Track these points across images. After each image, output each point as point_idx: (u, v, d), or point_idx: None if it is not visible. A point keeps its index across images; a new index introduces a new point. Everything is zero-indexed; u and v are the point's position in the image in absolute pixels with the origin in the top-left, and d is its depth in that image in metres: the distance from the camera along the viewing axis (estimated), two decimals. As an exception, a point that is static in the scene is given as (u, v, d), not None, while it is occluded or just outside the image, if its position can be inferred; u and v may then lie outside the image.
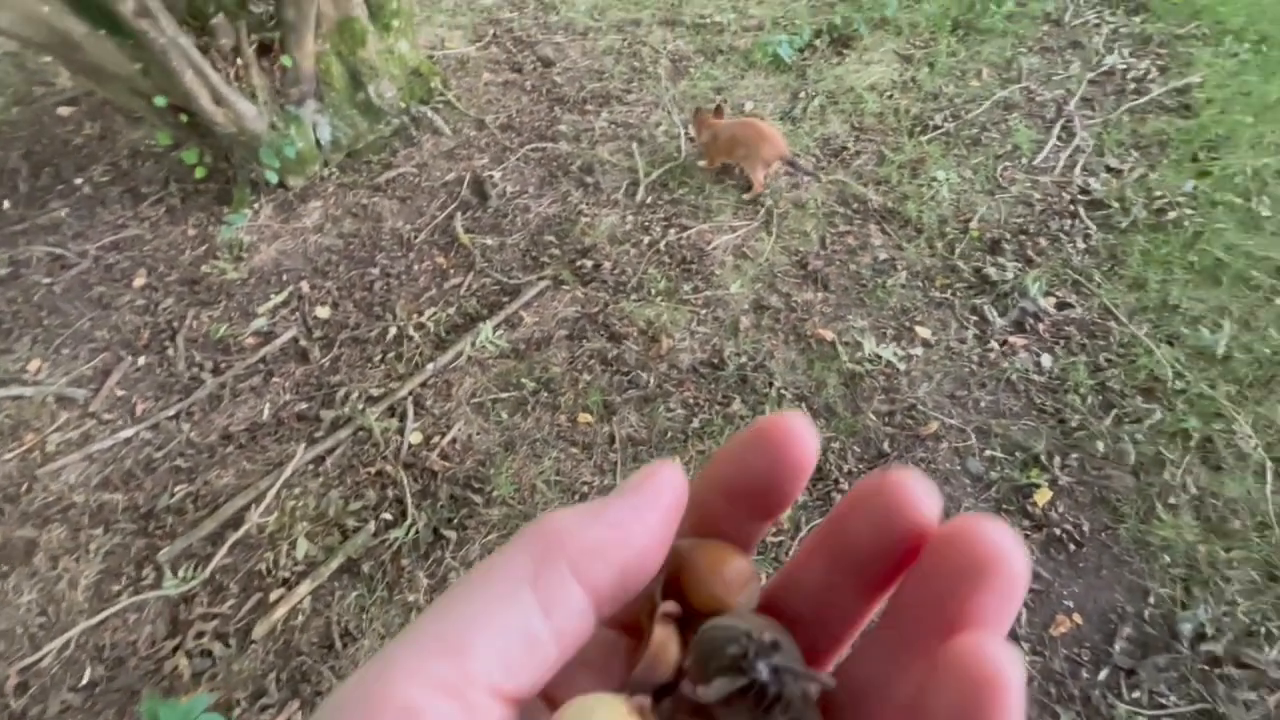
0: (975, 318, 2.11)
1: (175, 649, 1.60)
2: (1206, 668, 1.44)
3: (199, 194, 2.79)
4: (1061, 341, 2.03)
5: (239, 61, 2.40)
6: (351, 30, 2.70)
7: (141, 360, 2.24)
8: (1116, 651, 1.48)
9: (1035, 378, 1.94)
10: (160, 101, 2.34)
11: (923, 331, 2.07)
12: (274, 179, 2.68)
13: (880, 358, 1.99)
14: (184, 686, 1.54)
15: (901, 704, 0.19)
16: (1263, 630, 1.48)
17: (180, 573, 1.72)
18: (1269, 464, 1.71)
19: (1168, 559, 1.58)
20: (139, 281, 2.50)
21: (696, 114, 2.58)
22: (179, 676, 1.55)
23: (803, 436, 0.21)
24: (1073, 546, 1.62)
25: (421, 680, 0.16)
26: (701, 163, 2.61)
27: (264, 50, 2.50)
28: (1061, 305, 2.11)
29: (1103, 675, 1.45)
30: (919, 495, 0.20)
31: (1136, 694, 1.42)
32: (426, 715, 0.16)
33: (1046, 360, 1.98)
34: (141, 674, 1.58)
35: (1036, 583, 1.58)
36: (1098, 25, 3.20)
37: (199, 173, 2.75)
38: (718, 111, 2.51)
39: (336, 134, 2.84)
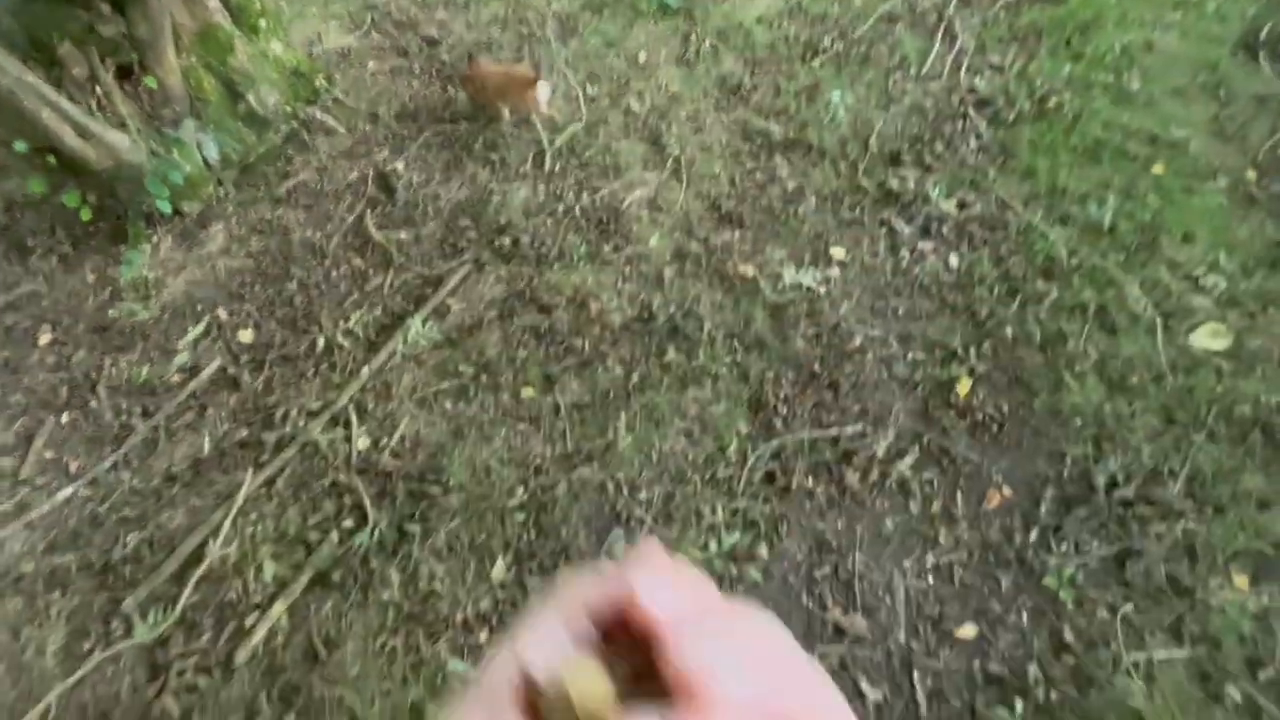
0: (885, 230, 2.19)
1: (159, 691, 1.61)
2: (1121, 511, 1.59)
3: (90, 237, 2.65)
4: (965, 240, 2.13)
5: (98, 90, 2.27)
6: (215, 39, 2.57)
7: (65, 418, 2.16)
8: (1043, 513, 1.61)
9: (945, 278, 2.04)
10: (21, 147, 2.20)
11: (837, 252, 2.15)
12: (167, 208, 2.57)
13: (800, 285, 2.07)
14: (176, 724, 1.55)
15: None
16: (1166, 469, 1.63)
17: (150, 618, 1.71)
18: (1158, 320, 1.85)
19: (1079, 422, 1.72)
20: (45, 339, 2.39)
21: (464, 80, 2.68)
22: (169, 716, 1.56)
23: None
24: (995, 428, 1.74)
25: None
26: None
27: (124, 74, 2.36)
28: (962, 205, 2.21)
29: (1033, 536, 1.58)
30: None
31: (1064, 546, 1.56)
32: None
33: (954, 259, 2.08)
34: (130, 722, 1.58)
35: (967, 465, 1.70)
36: (966, -75, 3.25)
37: (84, 215, 2.61)
38: (472, 63, 2.63)
39: (224, 150, 2.72)
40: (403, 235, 2.46)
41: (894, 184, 2.29)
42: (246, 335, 2.29)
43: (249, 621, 1.68)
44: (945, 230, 2.16)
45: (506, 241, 2.33)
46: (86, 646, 1.70)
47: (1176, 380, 1.75)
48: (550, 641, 0.25)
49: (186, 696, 1.59)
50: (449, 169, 2.65)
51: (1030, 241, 2.06)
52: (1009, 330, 1.88)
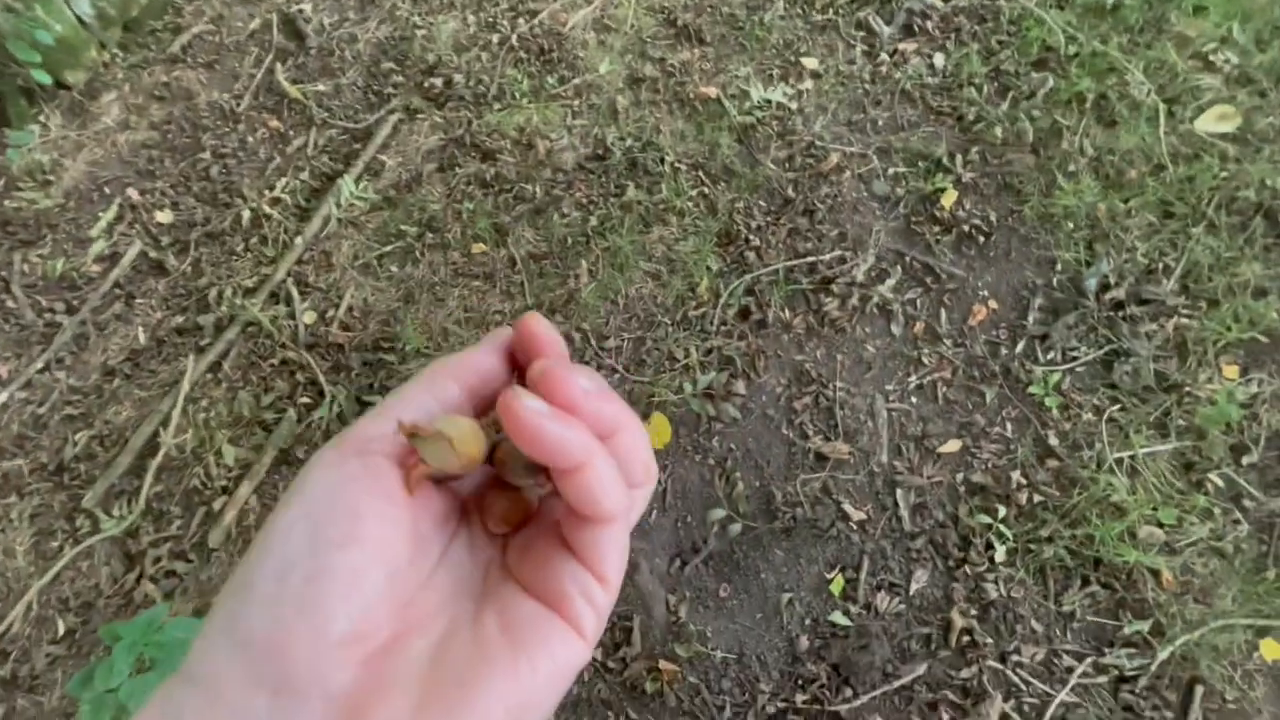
0: (862, 33, 1.94)
1: (138, 579, 1.58)
2: (1112, 314, 1.51)
3: (-33, 121, 2.33)
4: (952, 35, 1.89)
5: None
6: None
7: (-17, 322, 1.99)
8: (1030, 323, 1.54)
9: (930, 81, 1.83)
10: None
11: (810, 63, 1.91)
12: (46, 78, 2.23)
13: (770, 102, 1.85)
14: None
15: None
16: (1161, 266, 1.54)
17: (115, 512, 1.66)
18: (1161, 106, 1.68)
19: (1071, 225, 1.60)
20: (-58, 239, 2.15)
21: None
22: (151, 601, 1.54)
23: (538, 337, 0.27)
24: (982, 239, 1.62)
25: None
26: None
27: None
28: (948, -5, 1.95)
29: (1019, 347, 1.52)
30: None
31: (1050, 355, 1.50)
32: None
33: (939, 59, 1.86)
34: (113, 610, 1.57)
35: (951, 282, 1.60)
36: None
37: (-48, 94, 2.27)
38: None
39: (99, 5, 2.33)
40: (321, 87, 2.17)
41: (872, -23, 2.00)
42: (164, 215, 2.07)
43: (217, 505, 1.62)
44: (930, 26, 1.91)
45: (438, 83, 2.06)
46: (56, 545, 1.65)
47: (1177, 171, 1.62)
48: (420, 406, 0.25)
49: (166, 581, 1.57)
50: (363, 4, 2.30)
51: (1024, 30, 1.83)
52: (999, 131, 1.71)
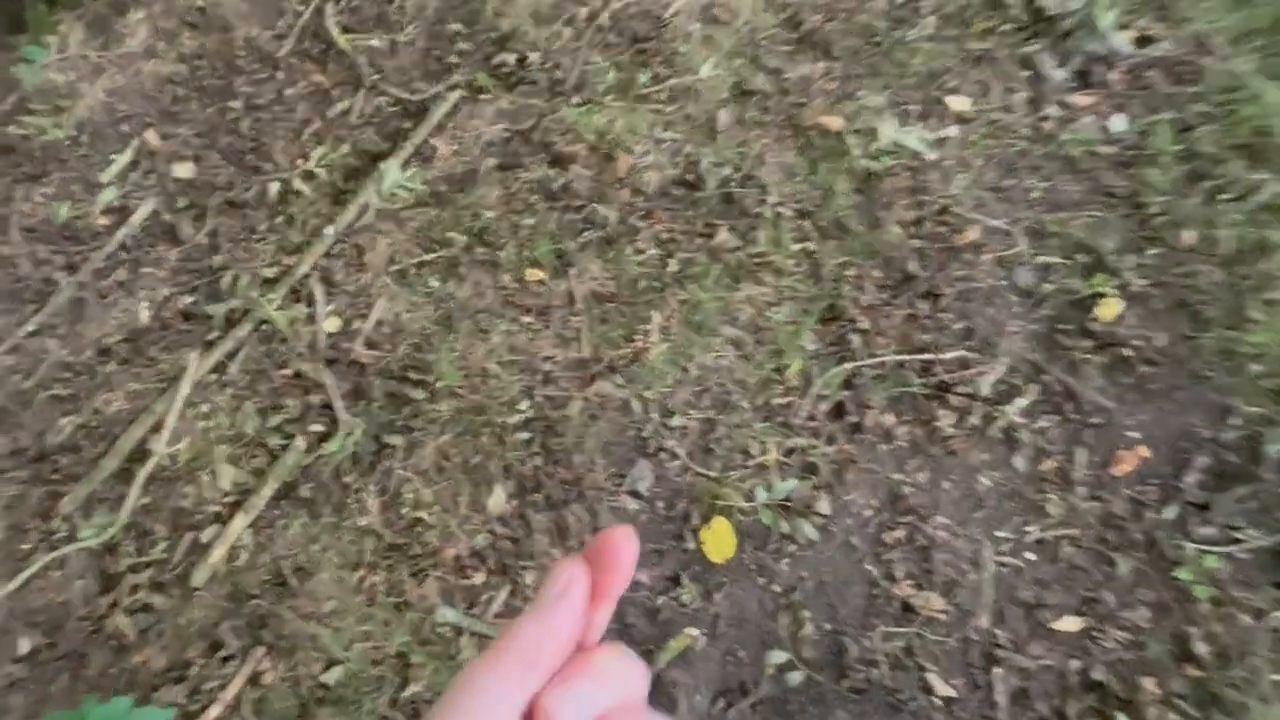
0: (1026, 74, 1.60)
1: (111, 606, 1.41)
2: (1292, 492, 1.24)
3: (-21, 21, 2.06)
4: (1140, 94, 1.55)
5: None
6: None
7: (-25, 265, 1.78)
8: (1188, 485, 1.27)
9: (1104, 149, 1.50)
10: None
11: (957, 103, 1.58)
12: (68, -16, 1.96)
13: (902, 147, 1.54)
14: (132, 645, 1.36)
15: None
16: (1363, 440, 1.25)
17: (94, 520, 1.48)
18: (1399, 232, 1.35)
19: (1259, 369, 1.31)
20: (-60, 158, 1.92)
21: None
22: (122, 636, 1.37)
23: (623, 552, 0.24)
24: (1142, 367, 1.33)
25: None
26: None
27: None
28: (1142, 40, 1.59)
29: (1170, 514, 1.25)
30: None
31: (1208, 531, 1.23)
32: None
33: (1119, 122, 1.52)
34: (83, 636, 1.40)
35: (1096, 415, 1.32)
36: None
37: (-37, -11, 2.00)
38: None
39: (135, -99, 2.02)
40: (375, 42, 1.87)
41: (1048, 2, 1.64)
42: (184, 169, 1.82)
43: (206, 535, 1.43)
44: (1112, 79, 1.57)
45: (510, 60, 1.75)
46: (27, 547, 1.48)
47: (1404, 320, 1.30)
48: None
49: (142, 616, 1.39)
50: (435, -55, 1.96)
51: (1235, 103, 1.49)
52: (1184, 234, 1.40)
